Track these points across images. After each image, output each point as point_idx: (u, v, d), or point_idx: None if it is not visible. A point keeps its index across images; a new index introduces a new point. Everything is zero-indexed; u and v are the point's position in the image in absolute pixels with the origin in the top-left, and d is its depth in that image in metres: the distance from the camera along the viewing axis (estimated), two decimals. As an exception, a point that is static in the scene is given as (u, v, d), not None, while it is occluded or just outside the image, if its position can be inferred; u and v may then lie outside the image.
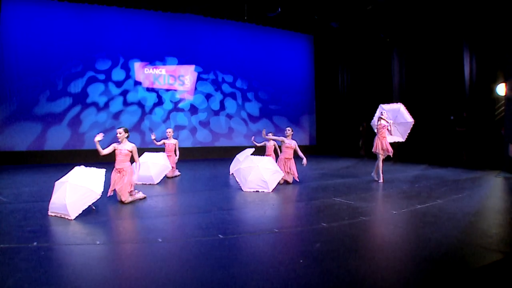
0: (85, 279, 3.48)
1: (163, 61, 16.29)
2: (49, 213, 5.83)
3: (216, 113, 17.49)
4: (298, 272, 3.51)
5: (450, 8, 12.23)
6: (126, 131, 6.87)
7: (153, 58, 16.05)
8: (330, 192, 7.84)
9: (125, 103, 15.52)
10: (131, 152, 6.81)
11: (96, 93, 14.91)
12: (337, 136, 18.43)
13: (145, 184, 9.03)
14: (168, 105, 16.45)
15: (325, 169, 12.65)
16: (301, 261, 3.79)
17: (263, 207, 6.43)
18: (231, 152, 11.58)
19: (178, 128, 16.56)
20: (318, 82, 19.64)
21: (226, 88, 17.74)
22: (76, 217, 5.58)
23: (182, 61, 16.66)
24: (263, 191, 7.81)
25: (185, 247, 4.42)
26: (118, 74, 15.37)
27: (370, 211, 5.99)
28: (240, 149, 13.06)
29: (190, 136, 16.84)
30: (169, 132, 10.54)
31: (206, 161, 15.41)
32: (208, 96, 17.31)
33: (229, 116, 17.78)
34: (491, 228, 5.07)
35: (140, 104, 15.85)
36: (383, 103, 15.24)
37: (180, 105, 16.72)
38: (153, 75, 16.13)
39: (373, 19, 14.43)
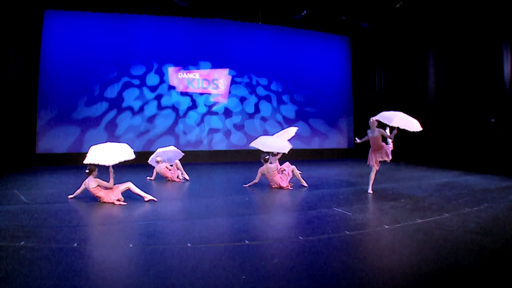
0: (43, 279, 3.62)
1: (197, 66, 16.57)
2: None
3: (251, 116, 17.48)
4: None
5: (487, 4, 11.28)
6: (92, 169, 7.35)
7: (187, 63, 16.39)
8: (336, 200, 7.51)
9: (160, 107, 15.98)
10: (98, 186, 7.27)
11: (131, 97, 15.50)
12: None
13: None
14: (202, 109, 16.70)
15: (352, 174, 12.16)
16: (243, 277, 3.64)
17: (252, 215, 6.30)
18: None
19: (212, 131, 16.78)
20: (356, 84, 19.01)
21: (260, 91, 17.69)
22: (78, 220, 5.88)
23: (215, 65, 16.85)
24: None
25: (135, 254, 4.41)
26: (152, 79, 15.87)
27: (361, 225, 5.64)
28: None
29: (224, 139, 16.99)
30: (158, 161, 10.65)
31: (239, 164, 15.43)
32: (242, 99, 17.35)
33: (264, 119, 17.70)
34: (489, 252, 4.46)
35: (174, 108, 16.24)
36: (419, 105, 14.46)
37: (214, 109, 16.90)
38: (187, 79, 16.45)
39: (406, 18, 13.69)
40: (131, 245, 4.76)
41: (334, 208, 6.74)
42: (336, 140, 18.93)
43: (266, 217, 6.38)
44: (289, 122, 17.99)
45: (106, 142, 14.60)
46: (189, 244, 4.72)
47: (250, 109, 17.47)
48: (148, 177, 10.68)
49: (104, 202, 7.22)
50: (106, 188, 7.29)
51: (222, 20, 16.17)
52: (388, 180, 10.32)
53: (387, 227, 5.49)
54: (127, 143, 15.10)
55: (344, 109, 19.11)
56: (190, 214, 6.68)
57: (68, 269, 3.96)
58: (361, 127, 18.47)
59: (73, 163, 14.16)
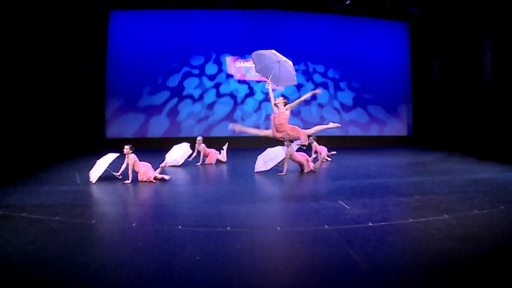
0: (55, 247, 4.43)
1: (253, 54, 17.14)
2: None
3: (307, 102, 17.67)
4: (178, 270, 4.01)
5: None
6: (131, 148, 8.89)
7: (244, 52, 17.06)
8: (348, 193, 7.56)
9: (218, 95, 16.97)
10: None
11: (191, 86, 16.73)
12: (433, 127, 16.79)
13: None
14: (259, 96, 17.34)
15: (396, 165, 11.92)
16: (197, 258, 4.23)
17: (251, 204, 6.81)
18: (321, 141, 12.20)
19: (269, 118, 17.28)
20: (414, 70, 18.15)
21: (317, 78, 17.80)
22: (107, 200, 6.98)
23: (272, 53, 17.24)
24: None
25: (138, 233, 5.23)
26: (211, 68, 16.89)
27: (348, 220, 5.73)
28: (332, 138, 15.06)
29: (281, 125, 17.45)
30: (199, 141, 11.60)
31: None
32: (299, 86, 17.60)
33: (321, 106, 17.83)
34: (453, 262, 4.10)
35: (232, 95, 17.11)
36: (474, 95, 13.44)
37: (271, 96, 17.40)
38: (244, 68, 17.17)
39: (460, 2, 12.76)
40: (134, 224, 5.63)
41: (339, 201, 6.89)
42: (395, 127, 18.41)
43: (264, 206, 6.81)
44: (346, 109, 17.93)
45: (168, 128, 16.21)
46: (179, 227, 5.43)
47: (307, 95, 17.65)
48: (196, 163, 11.56)
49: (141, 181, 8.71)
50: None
51: (274, 10, 16.52)
52: (423, 173, 10.08)
53: (370, 224, 5.51)
54: (188, 129, 16.47)
55: (403, 95, 18.44)
56: (183, 199, 7.39)
57: (77, 241, 4.86)
58: (421, 114, 17.81)
59: (138, 147, 15.74)
